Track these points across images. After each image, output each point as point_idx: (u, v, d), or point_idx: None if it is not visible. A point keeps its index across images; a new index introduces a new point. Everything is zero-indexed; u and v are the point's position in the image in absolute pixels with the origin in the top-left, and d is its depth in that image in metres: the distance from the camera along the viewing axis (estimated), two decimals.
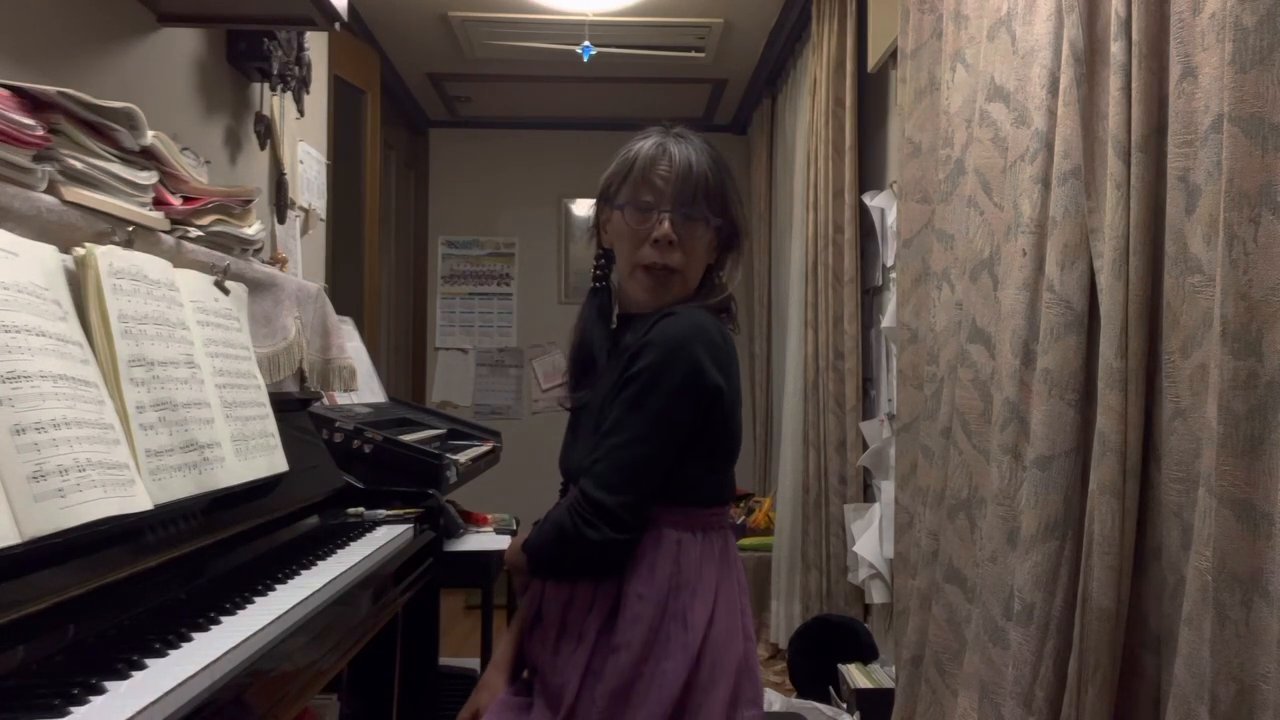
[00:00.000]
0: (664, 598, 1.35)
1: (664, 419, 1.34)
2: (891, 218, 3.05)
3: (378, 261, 4.19)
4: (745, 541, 4.19)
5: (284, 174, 2.63)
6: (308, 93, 2.73)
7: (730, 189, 1.47)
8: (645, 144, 1.45)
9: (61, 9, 1.74)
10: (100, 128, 1.37)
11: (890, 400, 3.08)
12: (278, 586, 1.31)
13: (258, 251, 1.89)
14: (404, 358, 5.41)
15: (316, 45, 2.89)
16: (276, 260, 2.41)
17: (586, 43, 3.96)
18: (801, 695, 3.20)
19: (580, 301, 1.56)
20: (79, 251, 1.22)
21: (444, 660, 2.45)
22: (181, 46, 2.15)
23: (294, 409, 1.90)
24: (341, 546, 1.61)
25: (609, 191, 1.47)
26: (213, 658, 0.99)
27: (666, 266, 1.41)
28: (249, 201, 1.81)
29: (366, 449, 2.18)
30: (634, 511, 1.34)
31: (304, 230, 2.84)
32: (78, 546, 1.05)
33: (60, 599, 1.02)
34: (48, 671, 0.95)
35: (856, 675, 2.94)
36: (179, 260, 1.52)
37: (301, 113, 2.73)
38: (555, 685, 1.36)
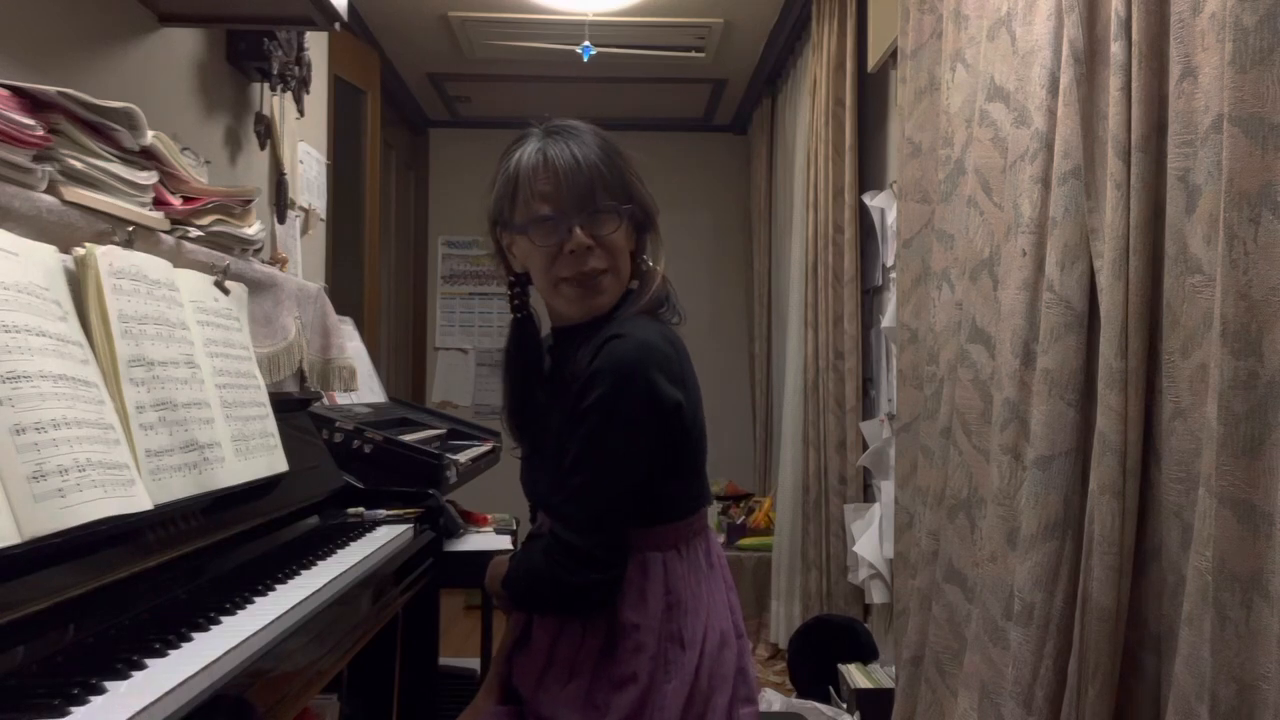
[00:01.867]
0: (659, 623, 1.32)
1: (626, 451, 1.29)
2: (891, 218, 3.05)
3: (378, 261, 4.20)
4: (745, 541, 4.19)
5: (284, 174, 2.63)
6: (308, 93, 2.73)
7: (627, 170, 1.37)
8: (523, 154, 1.35)
9: (61, 9, 1.74)
10: (100, 128, 1.37)
11: (890, 400, 3.08)
12: (278, 586, 1.31)
13: (258, 251, 1.89)
14: (404, 358, 5.41)
15: (316, 45, 2.89)
16: (276, 260, 2.41)
17: (586, 43, 3.96)
18: (801, 695, 3.20)
19: None
20: (79, 251, 1.22)
21: (444, 660, 2.45)
22: (181, 46, 2.15)
23: (294, 409, 1.90)
24: (341, 546, 1.61)
25: (502, 216, 1.39)
26: (213, 658, 0.99)
27: (591, 271, 1.34)
28: (249, 201, 1.81)
29: (366, 449, 2.17)
30: (611, 548, 1.30)
31: (304, 230, 2.84)
32: (78, 546, 1.05)
33: (60, 599, 1.02)
34: (48, 671, 0.94)
35: (856, 675, 2.94)
36: (179, 260, 1.52)
37: (301, 113, 2.73)
38: (545, 717, 1.34)
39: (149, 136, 1.45)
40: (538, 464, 1.43)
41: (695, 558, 1.39)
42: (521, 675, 1.40)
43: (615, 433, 1.28)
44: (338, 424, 2.19)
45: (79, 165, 1.31)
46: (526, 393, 1.46)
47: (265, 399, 1.61)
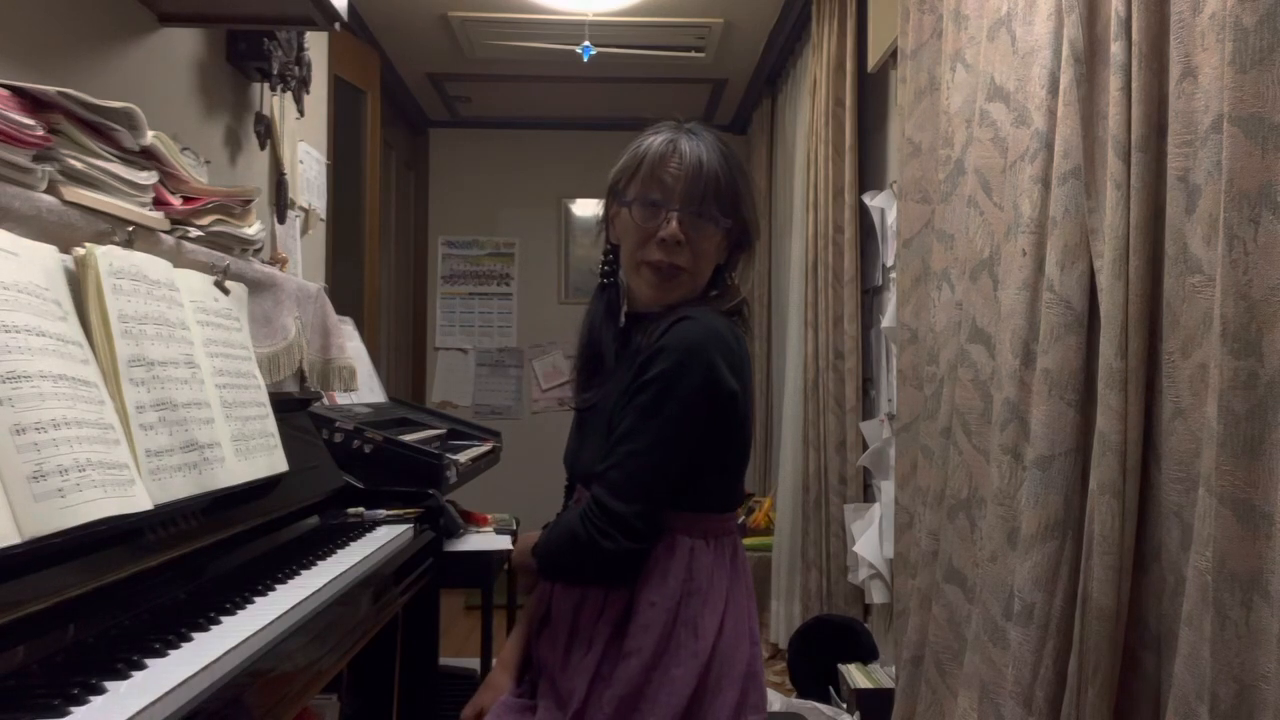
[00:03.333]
0: (675, 605, 1.34)
1: (679, 426, 1.32)
2: (891, 218, 3.05)
3: (378, 261, 4.19)
4: (745, 541, 4.17)
5: (284, 174, 2.63)
6: (308, 93, 2.73)
7: (743, 188, 1.44)
8: (656, 140, 1.42)
9: (62, 9, 1.74)
10: (100, 128, 1.37)
11: (890, 400, 3.08)
12: (278, 586, 1.31)
13: (258, 251, 1.89)
14: (404, 358, 5.41)
15: (316, 45, 2.89)
16: (276, 260, 2.41)
17: (586, 43, 3.96)
18: (801, 695, 3.20)
19: (582, 301, 1.54)
20: (79, 251, 1.22)
21: (444, 660, 2.45)
22: (181, 46, 2.15)
23: (294, 409, 1.90)
24: (341, 546, 1.61)
25: (618, 187, 1.45)
26: (213, 658, 0.99)
27: (673, 264, 1.39)
28: (249, 201, 1.81)
29: (366, 449, 2.18)
30: (648, 520, 1.33)
31: (304, 230, 2.84)
32: (78, 546, 1.05)
33: (60, 599, 1.02)
34: (48, 671, 0.95)
35: (856, 675, 2.94)
36: (179, 260, 1.52)
37: (301, 113, 2.73)
38: (565, 688, 1.36)
39: (149, 136, 1.45)
40: (589, 432, 1.45)
41: (722, 553, 1.41)
42: (546, 649, 1.42)
43: (671, 407, 1.32)
44: (338, 424, 2.19)
45: (79, 165, 1.31)
46: (595, 355, 1.49)
47: (265, 399, 1.61)
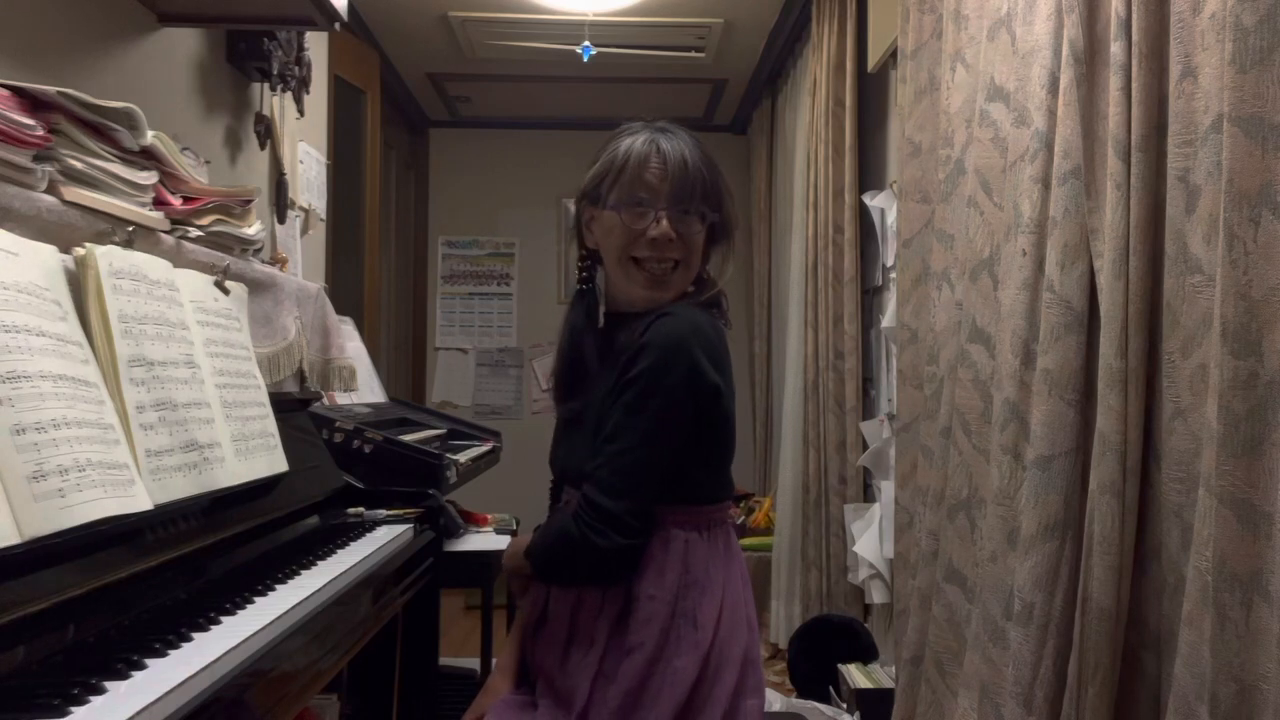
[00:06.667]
0: (674, 598, 1.35)
1: (665, 422, 1.34)
2: (891, 218, 3.05)
3: (378, 261, 4.20)
4: (745, 541, 4.19)
5: (284, 174, 2.63)
6: (308, 93, 2.73)
7: (722, 184, 1.46)
8: (635, 141, 1.42)
9: (61, 9, 1.74)
10: (100, 128, 1.37)
11: (890, 400, 3.07)
12: (278, 586, 1.30)
13: (258, 251, 1.89)
14: (404, 358, 5.41)
15: (316, 45, 2.89)
16: (276, 260, 2.41)
17: (586, 43, 3.96)
18: (801, 695, 3.20)
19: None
20: (79, 251, 1.22)
21: (444, 660, 2.45)
22: (181, 46, 2.15)
23: (294, 409, 1.90)
24: (341, 546, 1.61)
25: (596, 191, 1.44)
26: (213, 658, 0.99)
27: (669, 260, 1.41)
28: (249, 201, 1.81)
29: (366, 449, 2.18)
30: (640, 516, 1.34)
31: (304, 230, 2.84)
32: (78, 546, 1.05)
33: (60, 599, 1.02)
34: (48, 671, 0.94)
35: (856, 675, 2.94)
36: (179, 260, 1.52)
37: (301, 113, 2.73)
38: (565, 688, 1.36)
39: (149, 136, 1.45)
40: (575, 435, 1.46)
41: (716, 543, 1.42)
42: (544, 650, 1.42)
43: (656, 403, 1.33)
44: (338, 424, 2.19)
45: (79, 165, 1.31)
46: (577, 363, 1.49)
47: (265, 399, 1.61)
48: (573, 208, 1.52)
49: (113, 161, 1.38)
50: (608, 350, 1.46)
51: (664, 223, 1.39)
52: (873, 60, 3.23)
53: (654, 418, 1.33)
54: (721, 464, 1.44)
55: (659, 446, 1.34)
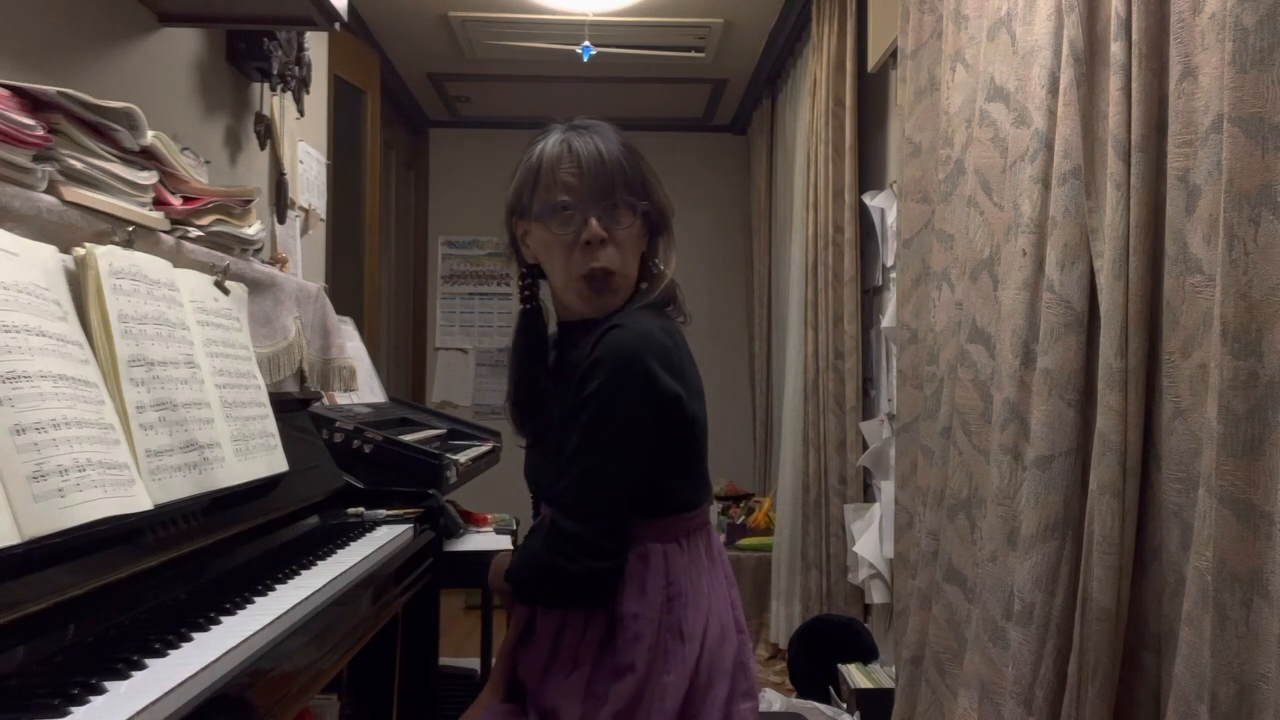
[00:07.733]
0: (659, 614, 1.33)
1: (625, 439, 1.30)
2: (891, 218, 3.05)
3: (378, 261, 4.20)
4: (745, 541, 4.19)
5: (284, 174, 2.63)
6: (308, 93, 2.73)
7: (647, 170, 1.40)
8: (546, 144, 1.37)
9: (61, 9, 1.74)
10: (100, 128, 1.37)
11: (890, 400, 3.08)
12: (278, 586, 1.30)
13: (258, 251, 1.89)
14: (404, 358, 5.42)
15: (316, 45, 2.89)
16: (276, 260, 2.41)
17: (586, 43, 3.96)
18: (801, 695, 3.20)
19: None
20: (79, 251, 1.22)
21: (444, 660, 2.45)
22: (181, 46, 2.15)
23: (294, 409, 1.90)
24: (341, 546, 1.61)
25: (521, 204, 1.40)
26: (213, 658, 0.99)
27: (606, 270, 1.36)
28: (249, 201, 1.81)
29: (366, 449, 2.17)
30: (611, 536, 1.30)
31: (304, 230, 2.84)
32: (78, 546, 1.05)
33: (60, 599, 1.02)
34: (48, 671, 0.94)
35: (856, 675, 2.94)
36: (179, 260, 1.52)
37: (301, 113, 2.73)
38: (548, 708, 1.35)
39: (149, 136, 1.45)
40: (540, 455, 1.44)
41: (696, 551, 1.39)
42: (527, 668, 1.41)
43: (614, 421, 1.29)
44: (338, 424, 2.19)
45: (79, 165, 1.31)
46: (531, 384, 1.47)
47: (265, 399, 1.61)
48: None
49: (113, 161, 1.38)
50: (561, 365, 1.42)
51: (593, 223, 1.34)
52: (873, 60, 3.23)
53: (614, 436, 1.29)
54: (694, 469, 1.41)
55: (622, 465, 1.30)
